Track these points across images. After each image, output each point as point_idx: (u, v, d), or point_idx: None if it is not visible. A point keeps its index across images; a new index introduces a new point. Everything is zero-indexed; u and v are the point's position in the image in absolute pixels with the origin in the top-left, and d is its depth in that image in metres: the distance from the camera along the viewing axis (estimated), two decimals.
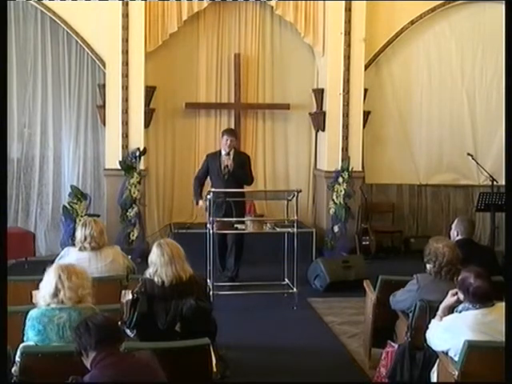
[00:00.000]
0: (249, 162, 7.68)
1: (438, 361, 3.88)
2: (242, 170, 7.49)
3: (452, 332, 3.71)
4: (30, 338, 3.61)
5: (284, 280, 7.05)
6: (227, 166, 7.35)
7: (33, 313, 3.66)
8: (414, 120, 9.81)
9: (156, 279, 4.22)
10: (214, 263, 6.76)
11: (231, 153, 7.46)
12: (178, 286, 4.21)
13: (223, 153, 7.47)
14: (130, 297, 4.22)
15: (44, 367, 3.30)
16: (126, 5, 8.66)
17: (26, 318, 3.68)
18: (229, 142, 7.42)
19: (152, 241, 7.86)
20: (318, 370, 5.08)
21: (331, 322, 6.31)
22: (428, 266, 4.45)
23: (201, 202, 7.50)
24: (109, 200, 8.86)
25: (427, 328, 3.98)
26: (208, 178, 7.66)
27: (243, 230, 6.95)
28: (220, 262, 7.60)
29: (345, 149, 9.17)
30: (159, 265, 4.23)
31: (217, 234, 6.97)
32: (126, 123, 8.81)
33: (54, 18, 8.79)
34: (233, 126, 9.43)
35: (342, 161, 9.09)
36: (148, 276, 4.28)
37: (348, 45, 9.05)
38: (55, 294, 3.65)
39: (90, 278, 3.89)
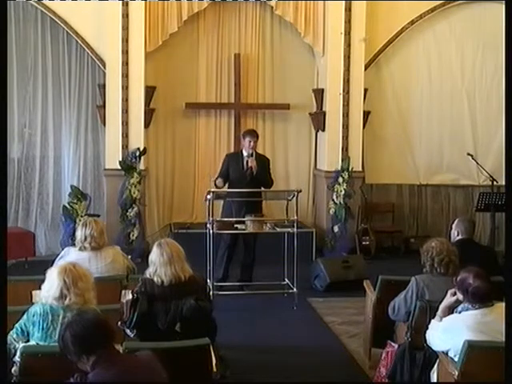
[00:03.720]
0: (268, 165, 7.55)
1: (437, 361, 3.88)
2: (264, 172, 7.36)
3: (452, 332, 3.71)
4: (34, 335, 3.63)
5: (284, 280, 7.05)
6: (251, 167, 7.19)
7: (38, 309, 3.67)
8: (413, 120, 9.81)
9: (155, 279, 4.22)
10: (213, 264, 6.74)
11: (253, 154, 7.28)
12: (178, 286, 4.21)
13: (245, 154, 7.28)
14: (130, 297, 4.21)
15: (44, 367, 3.30)
16: (126, 5, 8.66)
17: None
18: (252, 143, 7.23)
19: (152, 241, 7.86)
20: (318, 370, 5.08)
21: (331, 322, 6.31)
22: (426, 267, 4.47)
23: (218, 180, 7.15)
24: (109, 200, 8.86)
25: (427, 328, 3.98)
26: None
27: (243, 229, 6.94)
28: (226, 267, 7.29)
29: (345, 149, 9.17)
30: (158, 264, 4.24)
31: (228, 236, 7.02)
32: (126, 123, 8.81)
33: (54, 17, 8.79)
34: (233, 126, 9.44)
35: (342, 161, 9.09)
36: (148, 276, 4.28)
37: (348, 45, 9.05)
38: (60, 298, 3.65)
39: (93, 278, 3.89)
